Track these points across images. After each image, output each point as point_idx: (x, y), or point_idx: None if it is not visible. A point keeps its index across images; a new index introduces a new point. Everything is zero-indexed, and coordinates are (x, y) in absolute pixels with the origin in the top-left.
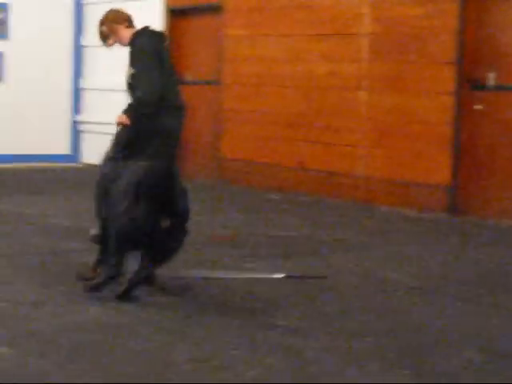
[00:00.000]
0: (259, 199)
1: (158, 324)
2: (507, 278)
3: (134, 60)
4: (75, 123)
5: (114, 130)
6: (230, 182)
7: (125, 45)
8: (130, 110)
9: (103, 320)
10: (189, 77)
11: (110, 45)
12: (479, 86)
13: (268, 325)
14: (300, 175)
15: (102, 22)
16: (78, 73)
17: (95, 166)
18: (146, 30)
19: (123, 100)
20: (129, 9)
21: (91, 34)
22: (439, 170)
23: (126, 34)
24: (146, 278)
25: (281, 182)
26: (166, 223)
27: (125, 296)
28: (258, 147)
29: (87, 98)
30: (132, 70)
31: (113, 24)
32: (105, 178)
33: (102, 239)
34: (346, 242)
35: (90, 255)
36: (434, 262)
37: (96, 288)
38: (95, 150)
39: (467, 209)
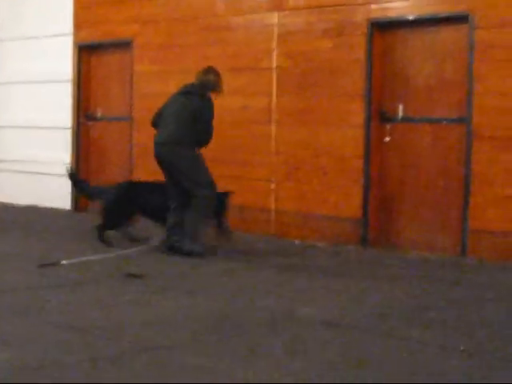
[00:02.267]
0: None
1: None
2: (420, 310)
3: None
4: None
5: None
6: None
7: None
8: None
9: None
10: (100, 113)
11: None
12: (388, 118)
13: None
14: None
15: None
16: None
17: (8, 204)
18: None
19: (35, 137)
20: (39, 45)
21: (5, 71)
22: (350, 202)
23: None
24: None
25: None
26: None
27: None
28: None
29: (1, 136)
30: None
31: None
32: None
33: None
34: (260, 277)
35: None
36: (347, 295)
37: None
38: (9, 188)
39: (378, 241)
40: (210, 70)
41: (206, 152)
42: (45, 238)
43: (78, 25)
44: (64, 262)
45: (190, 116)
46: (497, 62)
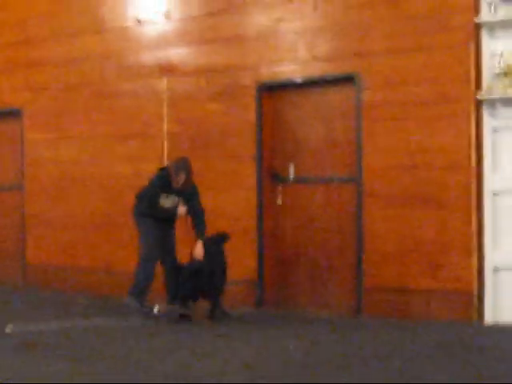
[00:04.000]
0: (67, 303)
1: None
2: (314, 368)
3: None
4: None
5: None
6: (37, 287)
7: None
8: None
9: None
10: None
11: None
12: (280, 179)
13: None
14: (105, 278)
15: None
16: None
17: None
18: None
19: None
20: None
21: None
22: (245, 265)
23: None
24: None
25: (86, 285)
26: None
27: None
28: (63, 251)
29: None
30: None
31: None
32: None
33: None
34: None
35: None
36: (242, 355)
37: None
38: None
39: (274, 302)
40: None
41: (98, 218)
42: None
43: None
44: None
45: None
46: (382, 121)
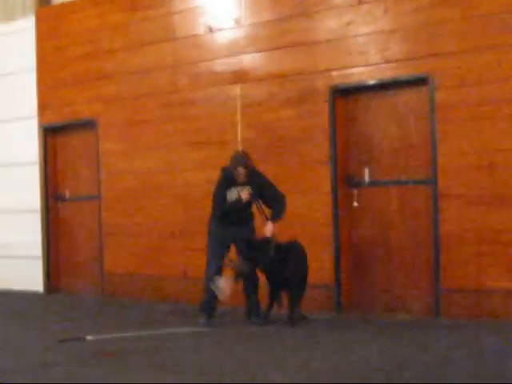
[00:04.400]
0: (146, 311)
1: None
2: (400, 372)
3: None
4: None
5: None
6: (115, 296)
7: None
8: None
9: None
10: (68, 193)
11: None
12: (355, 182)
13: None
14: (183, 285)
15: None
16: None
17: None
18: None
19: (3, 221)
20: (4, 129)
21: None
22: (322, 269)
23: None
24: None
25: (164, 293)
26: None
27: None
28: (141, 259)
29: None
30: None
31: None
32: None
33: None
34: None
35: None
36: (325, 360)
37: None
38: None
39: (351, 305)
40: (231, 158)
41: (173, 226)
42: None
43: (42, 107)
44: (89, 337)
45: None
46: (457, 122)
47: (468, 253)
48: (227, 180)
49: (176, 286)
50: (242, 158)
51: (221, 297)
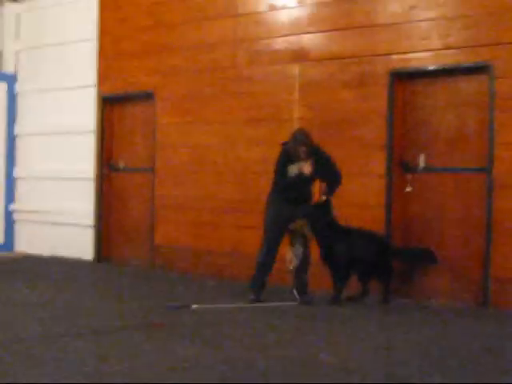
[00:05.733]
0: (195, 285)
1: None
2: (442, 358)
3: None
4: (8, 212)
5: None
6: (164, 268)
7: None
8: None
9: None
10: (122, 164)
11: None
12: (410, 168)
13: None
14: (232, 261)
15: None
16: (11, 162)
17: (28, 255)
18: None
19: (56, 188)
20: (62, 98)
21: (28, 123)
22: None
23: None
24: None
25: (212, 268)
26: None
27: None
28: (191, 233)
29: (20, 187)
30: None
31: None
32: None
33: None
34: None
35: None
36: (370, 342)
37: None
38: (28, 239)
39: (399, 291)
40: (292, 136)
41: (227, 202)
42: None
43: (102, 77)
44: (194, 306)
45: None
46: None
47: None
48: (288, 155)
49: (225, 262)
50: (304, 137)
51: (294, 264)
